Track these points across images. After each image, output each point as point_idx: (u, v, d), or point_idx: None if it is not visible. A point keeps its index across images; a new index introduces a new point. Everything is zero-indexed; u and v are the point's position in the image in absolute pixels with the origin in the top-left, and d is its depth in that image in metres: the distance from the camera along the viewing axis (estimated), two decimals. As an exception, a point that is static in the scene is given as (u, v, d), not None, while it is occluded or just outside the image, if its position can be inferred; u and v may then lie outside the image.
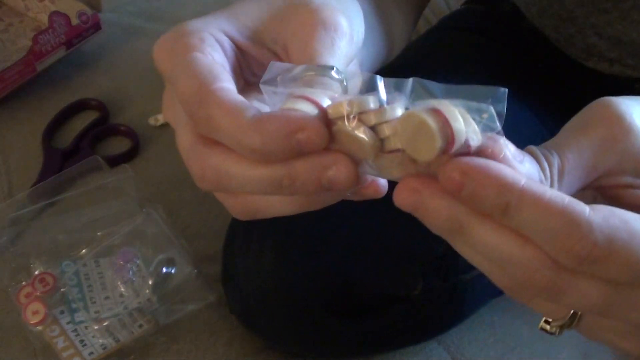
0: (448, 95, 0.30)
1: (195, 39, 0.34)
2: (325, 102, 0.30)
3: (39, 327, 0.65)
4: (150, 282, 0.68)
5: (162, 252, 0.70)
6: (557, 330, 0.34)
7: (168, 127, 0.88)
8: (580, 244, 0.28)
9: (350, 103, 0.29)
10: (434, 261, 0.62)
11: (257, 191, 0.31)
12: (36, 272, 0.68)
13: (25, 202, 0.76)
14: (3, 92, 0.87)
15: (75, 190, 0.78)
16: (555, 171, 0.31)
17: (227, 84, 0.32)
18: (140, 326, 0.67)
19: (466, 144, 0.28)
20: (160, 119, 0.88)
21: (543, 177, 0.30)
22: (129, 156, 0.84)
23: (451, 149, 0.28)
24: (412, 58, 0.79)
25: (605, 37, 0.65)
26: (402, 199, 0.29)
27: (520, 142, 0.65)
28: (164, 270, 0.69)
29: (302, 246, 0.59)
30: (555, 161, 0.31)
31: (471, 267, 0.67)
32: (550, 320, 0.34)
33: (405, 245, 0.60)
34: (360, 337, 0.64)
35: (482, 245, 0.29)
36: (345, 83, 0.32)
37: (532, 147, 0.31)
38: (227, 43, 0.35)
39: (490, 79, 0.72)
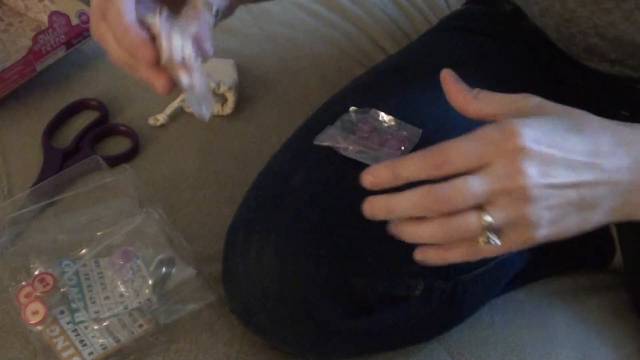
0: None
1: None
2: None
3: (39, 327, 0.65)
4: (150, 282, 0.68)
5: (162, 252, 0.70)
6: (488, 238, 0.45)
7: (168, 127, 0.88)
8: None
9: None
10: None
11: (117, 60, 0.54)
12: (36, 272, 0.68)
13: (25, 202, 0.76)
14: (3, 92, 0.87)
15: (75, 190, 0.78)
16: None
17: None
18: (140, 326, 0.67)
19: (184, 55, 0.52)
20: (160, 119, 0.88)
21: None
22: (129, 156, 0.84)
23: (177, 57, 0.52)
24: (413, 58, 0.79)
25: (607, 38, 0.65)
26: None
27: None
28: (164, 270, 0.69)
29: (302, 246, 0.59)
30: None
31: (471, 267, 0.67)
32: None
33: (405, 246, 0.60)
34: (360, 337, 0.64)
35: (397, 211, 0.46)
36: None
37: None
38: None
39: (491, 79, 0.72)
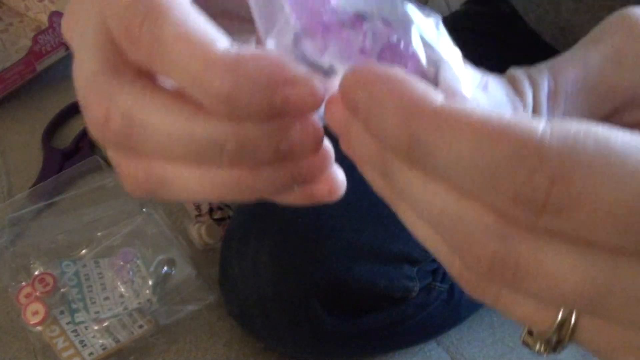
0: None
1: None
2: None
3: (39, 328, 0.65)
4: (150, 283, 0.68)
5: (162, 253, 0.70)
6: (541, 346, 0.21)
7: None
8: (534, 180, 0.17)
9: None
10: (430, 263, 0.62)
11: (179, 154, 0.22)
12: (36, 273, 0.68)
13: (25, 202, 0.76)
14: (3, 92, 0.87)
15: (75, 190, 0.78)
16: (544, 94, 0.22)
17: None
18: (140, 326, 0.67)
19: None
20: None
21: (519, 104, 0.22)
22: (128, 156, 0.84)
23: None
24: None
25: None
26: (331, 114, 0.21)
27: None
28: (164, 270, 0.69)
29: (298, 248, 0.59)
30: (545, 82, 0.22)
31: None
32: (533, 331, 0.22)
33: (401, 248, 0.60)
34: (357, 339, 0.64)
35: (411, 197, 0.20)
36: None
37: (514, 70, 0.23)
38: None
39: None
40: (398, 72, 0.19)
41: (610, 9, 0.66)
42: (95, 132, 0.23)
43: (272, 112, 0.20)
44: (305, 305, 0.59)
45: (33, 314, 0.65)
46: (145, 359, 0.66)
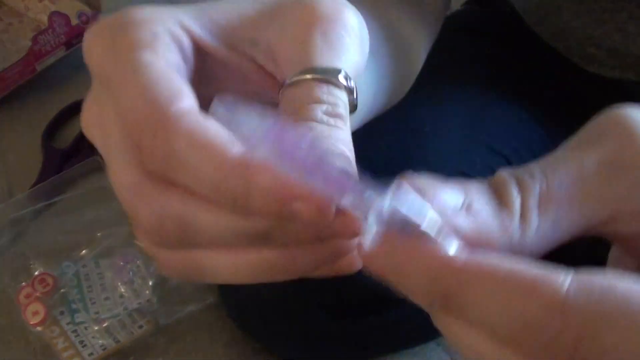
0: None
1: (146, 32, 0.24)
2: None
3: (39, 328, 0.65)
4: (150, 283, 0.68)
5: (162, 253, 0.70)
6: None
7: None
8: (562, 336, 0.19)
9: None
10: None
11: (234, 243, 0.23)
12: (36, 273, 0.68)
13: (25, 202, 0.76)
14: (3, 92, 0.87)
15: (76, 190, 0.78)
16: (534, 200, 0.22)
17: (191, 103, 0.23)
18: (140, 327, 0.67)
19: None
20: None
21: (505, 217, 0.22)
22: (128, 156, 0.84)
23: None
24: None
25: (604, 48, 0.65)
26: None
27: (519, 145, 0.64)
28: (164, 271, 0.69)
29: None
30: (536, 186, 0.22)
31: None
32: None
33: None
34: (357, 340, 0.65)
35: (449, 333, 0.22)
36: (355, 95, 0.25)
37: (503, 172, 0.23)
38: (186, 42, 0.26)
39: (489, 80, 0.72)
40: (414, 235, 0.21)
41: (612, 12, 0.65)
42: (146, 237, 0.24)
43: (283, 219, 0.22)
44: (304, 307, 0.60)
45: (33, 314, 0.65)
46: (145, 359, 0.66)
